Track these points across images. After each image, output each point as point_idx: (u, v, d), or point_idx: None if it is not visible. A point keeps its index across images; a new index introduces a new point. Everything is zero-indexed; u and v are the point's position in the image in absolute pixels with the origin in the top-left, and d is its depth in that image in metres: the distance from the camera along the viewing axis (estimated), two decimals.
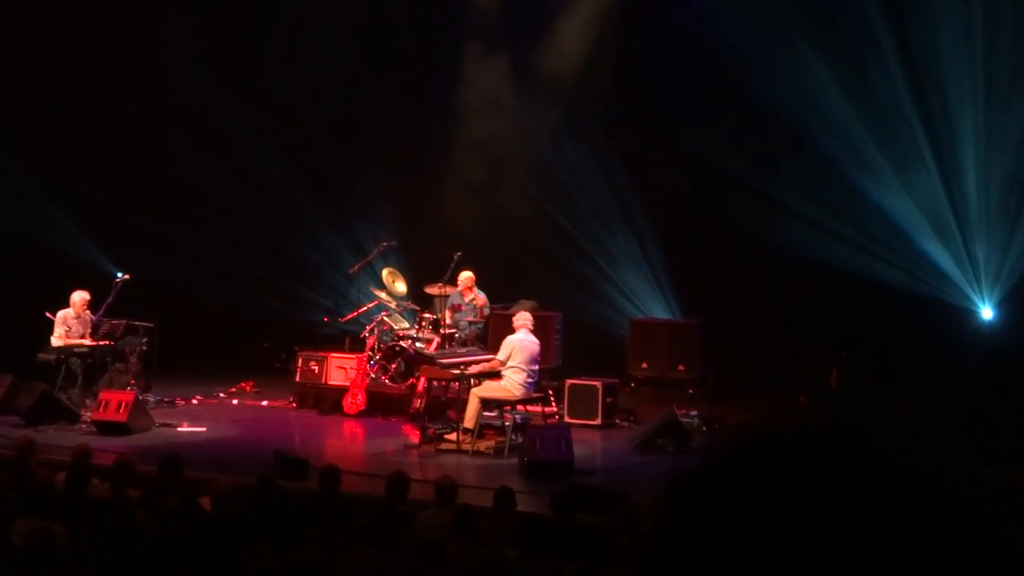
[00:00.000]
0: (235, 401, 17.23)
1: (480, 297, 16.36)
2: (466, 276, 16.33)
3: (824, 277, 17.39)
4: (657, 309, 18.97)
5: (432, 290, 16.41)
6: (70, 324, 15.86)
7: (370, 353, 16.47)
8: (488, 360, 14.29)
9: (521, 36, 19.47)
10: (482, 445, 13.64)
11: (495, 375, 14.02)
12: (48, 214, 19.00)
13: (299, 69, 19.81)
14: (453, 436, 13.82)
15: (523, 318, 14.32)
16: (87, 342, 15.89)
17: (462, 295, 16.28)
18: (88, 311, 16.04)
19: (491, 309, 16.56)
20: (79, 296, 15.98)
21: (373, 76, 19.98)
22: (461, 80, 19.77)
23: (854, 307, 17.08)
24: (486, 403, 13.90)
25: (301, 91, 19.90)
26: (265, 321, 20.40)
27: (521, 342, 13.99)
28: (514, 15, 19.48)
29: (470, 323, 16.18)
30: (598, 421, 15.25)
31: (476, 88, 19.73)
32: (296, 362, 17.05)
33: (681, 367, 17.43)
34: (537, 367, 14.20)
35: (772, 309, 17.64)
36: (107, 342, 15.93)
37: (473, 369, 14.24)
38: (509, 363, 13.88)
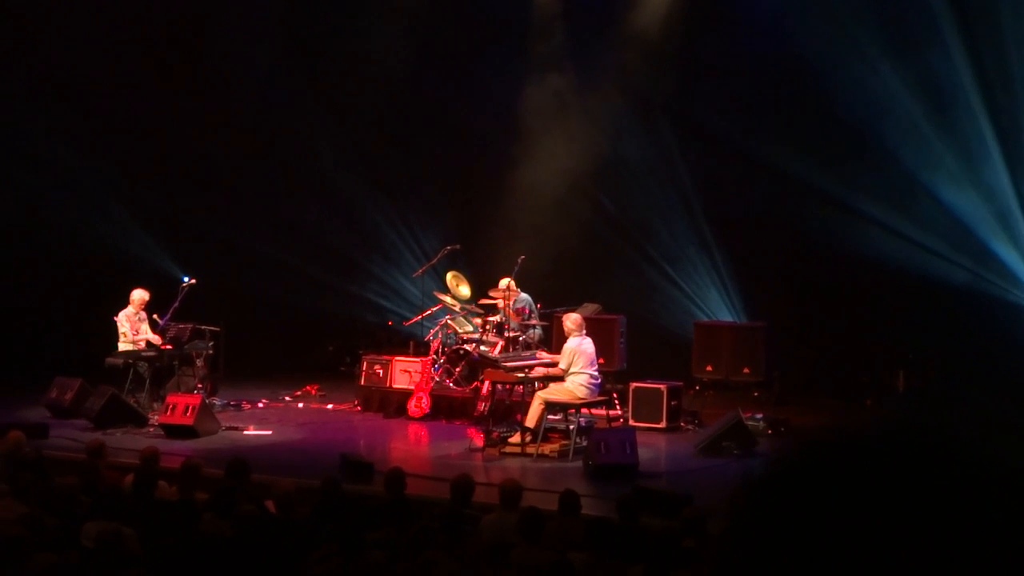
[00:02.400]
0: (300, 404, 17.33)
1: (523, 296, 16.36)
2: (505, 282, 16.24)
3: (890, 279, 17.22)
4: (722, 312, 18.85)
5: (496, 294, 16.40)
6: (131, 321, 16.03)
7: (434, 356, 16.50)
8: (552, 363, 14.29)
9: (585, 37, 19.41)
10: (547, 448, 13.61)
11: (559, 378, 13.98)
12: (117, 219, 19.23)
13: (364, 73, 19.88)
14: (517, 439, 13.82)
15: (573, 321, 14.17)
16: (153, 338, 16.06)
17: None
18: (144, 311, 16.19)
19: (549, 311, 16.60)
20: (138, 294, 16.13)
21: (438, 79, 20.02)
22: (525, 82, 19.71)
23: (921, 309, 16.90)
24: (550, 406, 13.86)
25: (366, 95, 19.94)
26: (330, 325, 20.53)
27: (579, 346, 13.91)
28: (577, 16, 19.42)
29: (534, 326, 16.19)
30: (663, 424, 15.19)
31: (540, 90, 19.67)
32: (361, 366, 17.11)
33: (746, 370, 17.29)
34: (597, 367, 14.14)
35: (838, 312, 17.51)
36: (173, 346, 16.10)
37: (537, 372, 14.23)
38: (571, 369, 13.85)
